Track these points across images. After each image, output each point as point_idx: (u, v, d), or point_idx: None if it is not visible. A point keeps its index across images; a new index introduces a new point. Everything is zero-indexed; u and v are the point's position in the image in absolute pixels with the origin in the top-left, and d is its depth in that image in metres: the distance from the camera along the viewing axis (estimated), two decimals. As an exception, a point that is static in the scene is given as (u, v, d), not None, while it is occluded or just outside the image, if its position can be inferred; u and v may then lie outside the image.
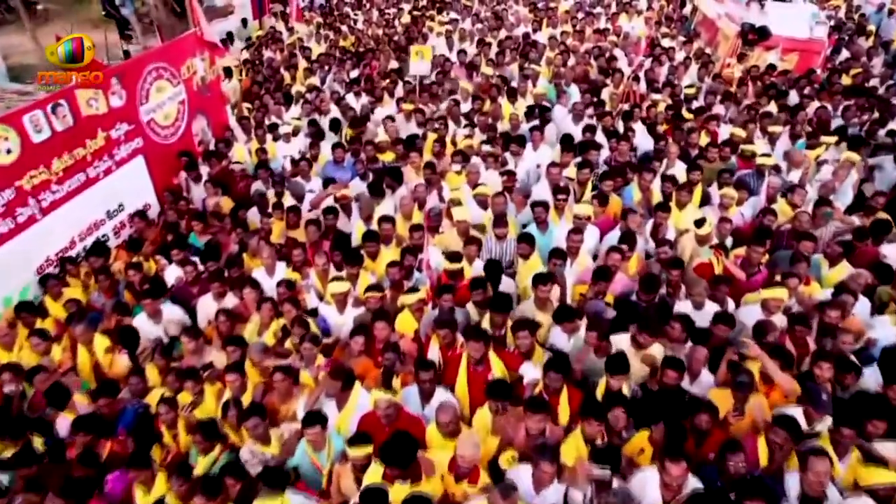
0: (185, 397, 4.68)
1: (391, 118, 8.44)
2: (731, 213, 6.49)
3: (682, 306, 4.97)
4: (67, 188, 6.15)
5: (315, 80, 10.85)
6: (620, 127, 8.22)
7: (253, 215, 6.94)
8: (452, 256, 5.45)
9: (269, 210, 6.77)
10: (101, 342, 5.25)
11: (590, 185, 6.78)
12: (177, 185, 7.65)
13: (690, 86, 9.51)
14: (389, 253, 5.89)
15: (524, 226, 6.46)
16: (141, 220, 6.81)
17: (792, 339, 4.72)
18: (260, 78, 11.61)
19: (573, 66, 10.52)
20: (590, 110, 8.65)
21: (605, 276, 5.01)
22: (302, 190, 7.12)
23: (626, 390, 4.16)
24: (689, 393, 4.33)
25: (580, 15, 13.59)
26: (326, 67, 11.43)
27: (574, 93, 9.53)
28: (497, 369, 4.32)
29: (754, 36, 10.17)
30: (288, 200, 7.02)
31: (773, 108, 9.03)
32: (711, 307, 4.97)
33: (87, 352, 5.22)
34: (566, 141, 7.29)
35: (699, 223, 5.85)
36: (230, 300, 5.66)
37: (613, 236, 6.02)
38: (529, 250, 5.53)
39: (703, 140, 7.99)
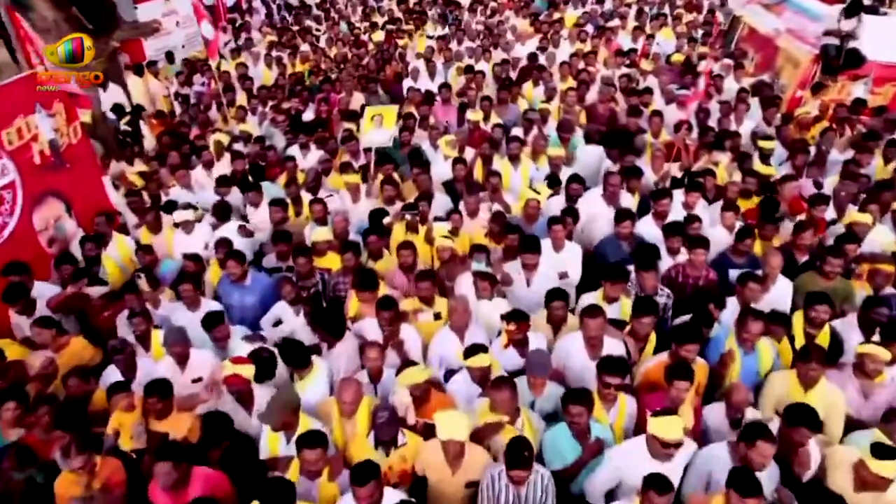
0: None
1: (319, 202, 5.67)
2: (881, 382, 3.89)
3: None
4: None
5: (251, 125, 8.14)
6: (676, 208, 5.54)
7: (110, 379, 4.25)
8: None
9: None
10: None
11: (653, 338, 4.13)
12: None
13: (767, 137, 6.78)
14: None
15: (548, 417, 3.80)
16: None
17: None
18: (187, 119, 8.94)
19: (595, 104, 7.88)
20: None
21: None
22: (182, 340, 4.32)
23: None
24: None
25: (589, 28, 10.90)
26: (271, 103, 8.77)
27: (579, 142, 6.88)
28: None
29: (839, 62, 7.54)
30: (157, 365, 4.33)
31: (875, 165, 6.45)
32: None
33: None
34: (614, 267, 4.53)
35: (882, 453, 3.14)
36: None
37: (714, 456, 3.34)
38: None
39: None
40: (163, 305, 4.87)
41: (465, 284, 4.64)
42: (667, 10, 12.20)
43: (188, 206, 5.69)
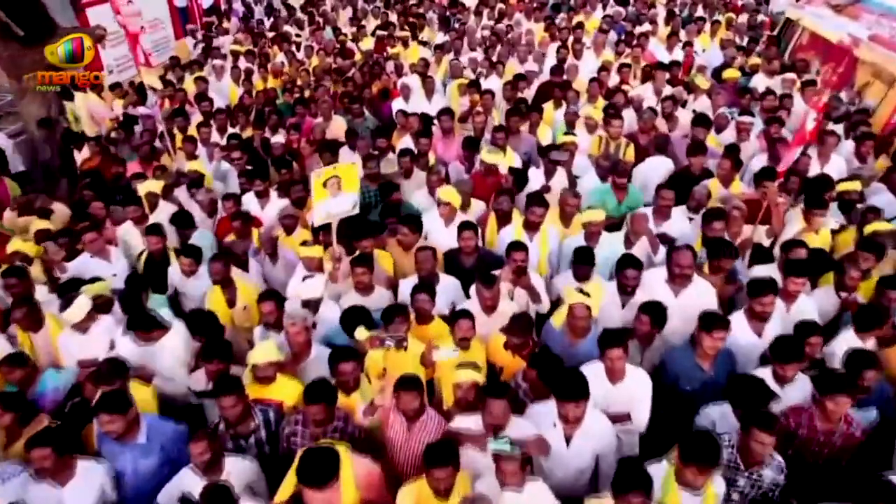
0: None
1: (270, 299, 3.92)
2: None
3: None
4: None
5: (200, 162, 6.42)
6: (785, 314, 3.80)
7: None
8: None
9: None
10: None
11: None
12: None
13: (854, 177, 5.20)
14: None
15: None
16: None
17: None
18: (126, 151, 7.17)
19: (634, 134, 6.17)
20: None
21: None
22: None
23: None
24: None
25: (612, 36, 9.19)
26: (231, 131, 7.06)
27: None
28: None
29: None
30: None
31: None
32: None
33: None
34: (702, 443, 2.66)
35: None
36: None
37: None
38: None
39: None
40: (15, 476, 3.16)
41: (477, 462, 2.95)
42: (701, 11, 10.51)
43: (91, 293, 3.97)
